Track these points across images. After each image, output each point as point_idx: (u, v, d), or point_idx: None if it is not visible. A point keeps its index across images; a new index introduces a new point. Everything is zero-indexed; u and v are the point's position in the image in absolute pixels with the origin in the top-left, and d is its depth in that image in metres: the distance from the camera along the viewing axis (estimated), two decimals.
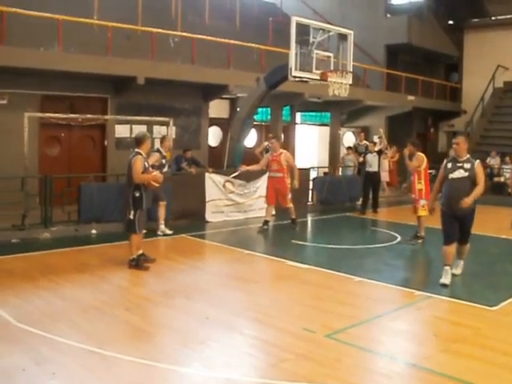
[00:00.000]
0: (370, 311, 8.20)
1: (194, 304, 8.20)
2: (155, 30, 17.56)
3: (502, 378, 5.96)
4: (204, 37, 18.60)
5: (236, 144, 18.15)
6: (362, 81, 25.29)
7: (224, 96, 21.27)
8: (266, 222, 14.31)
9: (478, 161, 9.57)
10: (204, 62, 18.59)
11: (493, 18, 30.74)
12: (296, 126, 25.48)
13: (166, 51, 18.53)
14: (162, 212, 13.42)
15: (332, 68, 15.53)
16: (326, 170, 23.27)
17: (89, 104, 17.19)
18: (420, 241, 13.12)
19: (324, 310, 8.10)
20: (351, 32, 15.93)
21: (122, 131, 18.03)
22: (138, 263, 10.16)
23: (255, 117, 20.58)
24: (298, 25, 14.87)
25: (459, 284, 9.61)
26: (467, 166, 9.32)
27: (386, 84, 27.11)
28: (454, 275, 9.62)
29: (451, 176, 9.39)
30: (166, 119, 15.99)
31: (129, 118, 16.91)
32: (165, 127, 17.70)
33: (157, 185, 10.22)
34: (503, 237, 13.43)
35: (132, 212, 9.94)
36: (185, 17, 21.29)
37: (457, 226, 9.44)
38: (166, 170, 13.42)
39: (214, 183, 15.45)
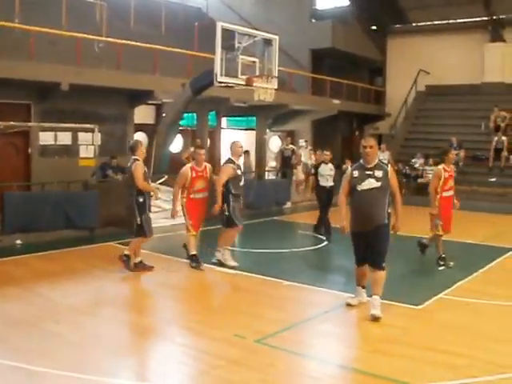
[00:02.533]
0: (300, 315, 8.28)
1: (125, 314, 8.12)
2: (80, 35, 17.27)
3: (428, 373, 6.13)
4: (129, 42, 18.41)
5: (162, 150, 18.02)
6: (288, 85, 25.46)
7: (150, 102, 21.11)
8: (193, 257, 11.06)
9: (389, 166, 8.45)
10: (129, 68, 18.40)
11: (414, 25, 31.45)
12: (222, 130, 25.47)
13: (90, 57, 18.24)
14: None
15: (257, 73, 15.56)
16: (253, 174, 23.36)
17: (11, 111, 16.72)
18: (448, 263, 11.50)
19: (254, 315, 8.13)
20: (276, 37, 16.02)
21: (46, 138, 17.62)
22: (128, 261, 10.50)
23: (181, 122, 20.49)
24: (224, 30, 14.87)
25: (385, 285, 9.78)
26: (378, 173, 7.93)
27: (312, 88, 27.37)
28: (373, 317, 7.87)
29: (360, 188, 7.95)
30: (91, 126, 15.76)
31: (53, 125, 16.59)
32: (90, 134, 17.43)
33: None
34: (427, 237, 13.66)
35: (138, 217, 10.47)
36: (110, 22, 21.05)
37: (366, 246, 8.08)
38: None
39: None
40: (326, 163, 14.12)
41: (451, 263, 11.35)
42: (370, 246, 8.04)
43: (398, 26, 32.05)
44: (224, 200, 10.91)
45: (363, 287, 8.52)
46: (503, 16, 29.22)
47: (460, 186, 23.62)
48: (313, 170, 14.91)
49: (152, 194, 10.89)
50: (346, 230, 8.20)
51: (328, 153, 14.34)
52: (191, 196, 10.92)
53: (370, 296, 8.13)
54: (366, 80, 32.55)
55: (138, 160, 10.38)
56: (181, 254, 11.66)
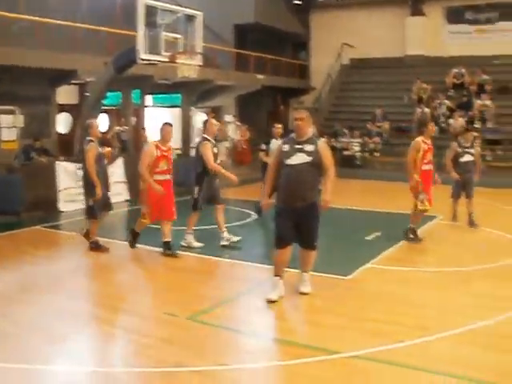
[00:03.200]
0: (233, 290, 8.35)
1: (53, 297, 7.98)
2: None
3: (357, 341, 6.29)
4: (49, 20, 17.93)
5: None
6: (212, 61, 25.31)
7: (73, 81, 20.68)
8: (167, 246, 10.21)
9: (322, 140, 8.33)
10: (50, 47, 17.94)
11: None
12: (147, 108, 25.17)
13: (9, 35, 17.73)
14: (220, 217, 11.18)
15: (181, 50, 15.44)
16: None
17: None
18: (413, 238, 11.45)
19: (185, 293, 8.15)
20: (200, 13, 15.89)
21: None
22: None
23: (105, 101, 20.18)
24: (146, 6, 14.66)
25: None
26: (309, 148, 7.45)
27: (236, 64, 27.30)
28: (302, 294, 7.83)
29: (289, 162, 7.46)
30: (12, 108, 15.37)
31: None
32: (11, 116, 17.00)
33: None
34: (354, 208, 13.94)
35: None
36: None
37: (293, 225, 7.59)
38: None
39: (65, 171, 15.02)
40: (277, 138, 13.05)
41: (417, 238, 11.34)
42: (299, 225, 7.58)
43: (321, 0, 32.15)
44: (197, 182, 10.59)
45: (281, 277, 7.78)
46: None
47: (387, 157, 24.39)
48: (263, 146, 13.58)
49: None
50: (266, 207, 7.93)
51: (279, 125, 13.56)
52: (154, 177, 9.88)
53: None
54: (290, 54, 32.63)
55: (92, 141, 10.18)
56: (113, 235, 11.57)
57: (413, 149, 11.29)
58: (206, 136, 10.70)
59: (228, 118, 24.92)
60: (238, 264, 9.72)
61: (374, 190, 19.26)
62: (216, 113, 24.20)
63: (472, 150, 13.19)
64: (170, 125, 10.42)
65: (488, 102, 24.54)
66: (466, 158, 13.03)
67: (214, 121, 11.14)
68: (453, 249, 10.99)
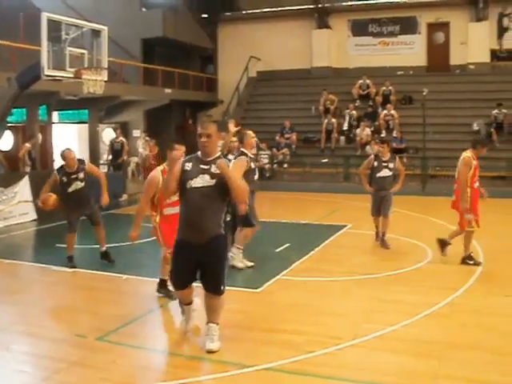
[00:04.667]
0: (141, 308, 8.22)
1: None
2: None
3: (269, 354, 6.29)
4: None
5: None
6: (119, 76, 25.07)
7: None
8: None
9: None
10: None
11: (244, 12, 31.87)
12: (53, 125, 24.68)
13: None
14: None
15: (86, 65, 15.20)
16: None
17: None
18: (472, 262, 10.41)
19: (95, 312, 7.97)
20: (105, 28, 15.67)
21: None
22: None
23: (9, 118, 19.67)
24: (50, 21, 14.36)
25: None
26: (215, 169, 6.16)
27: (143, 78, 27.11)
28: (209, 352, 6.37)
29: (190, 185, 6.19)
30: None
31: None
32: None
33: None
34: (263, 220, 13.90)
35: None
36: None
37: (194, 266, 6.36)
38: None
39: None
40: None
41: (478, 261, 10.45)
42: (201, 265, 6.36)
43: (228, 13, 32.34)
44: None
45: (190, 303, 6.92)
46: (328, 4, 30.42)
47: (295, 168, 24.72)
48: None
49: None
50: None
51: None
52: (164, 212, 8.14)
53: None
54: (199, 68, 32.66)
55: None
56: (20, 257, 11.26)
57: (466, 166, 10.19)
58: (243, 150, 10.01)
59: (136, 133, 24.70)
60: (145, 281, 9.54)
61: (283, 201, 19.43)
62: (124, 128, 23.96)
63: (391, 165, 11.94)
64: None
65: (393, 112, 25.24)
66: (383, 173, 11.85)
67: (252, 133, 10.29)
68: (361, 257, 11.21)
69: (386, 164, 11.83)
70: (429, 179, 22.35)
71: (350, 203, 12.55)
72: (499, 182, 21.83)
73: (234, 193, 6.14)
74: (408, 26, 29.94)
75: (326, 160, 24.16)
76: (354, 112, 26.13)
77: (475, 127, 24.61)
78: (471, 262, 10.29)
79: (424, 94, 23.20)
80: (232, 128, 10.67)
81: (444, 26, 29.71)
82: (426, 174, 22.38)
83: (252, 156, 10.12)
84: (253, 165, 9.96)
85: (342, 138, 25.60)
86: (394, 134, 24.23)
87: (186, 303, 6.85)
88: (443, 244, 10.75)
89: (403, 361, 6.18)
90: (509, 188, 20.73)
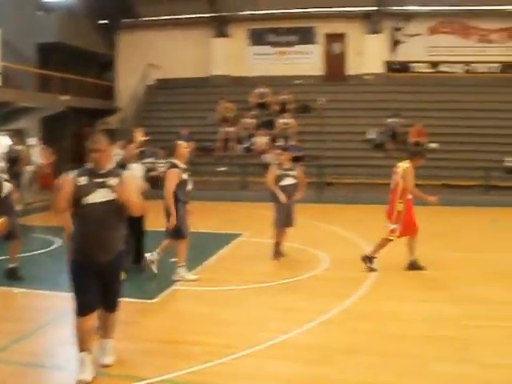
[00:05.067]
0: (35, 322, 7.93)
1: None
2: None
3: (165, 364, 6.27)
4: None
5: None
6: (13, 81, 24.38)
7: None
8: None
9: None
10: None
11: (143, 19, 31.59)
12: None
13: None
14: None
15: None
16: None
17: None
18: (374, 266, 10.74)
19: None
20: None
21: None
22: None
23: None
24: None
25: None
26: (113, 181, 5.88)
27: (39, 84, 26.47)
28: (104, 366, 6.22)
29: (88, 200, 5.77)
30: None
31: None
32: None
33: None
34: (158, 230, 13.73)
35: None
36: None
37: (98, 285, 5.96)
38: None
39: None
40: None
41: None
42: (105, 284, 6.04)
43: (127, 20, 31.99)
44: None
45: (90, 351, 6.05)
46: (226, 13, 30.56)
47: (194, 176, 24.55)
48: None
49: None
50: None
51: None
52: None
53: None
54: (97, 75, 32.18)
55: None
56: None
57: (410, 175, 10.38)
58: (174, 161, 10.06)
59: (31, 140, 24.04)
60: (38, 294, 9.23)
61: None
62: (19, 136, 23.27)
63: (293, 172, 11.85)
64: None
65: (290, 121, 25.58)
66: (287, 181, 11.67)
67: (184, 143, 10.39)
68: (258, 265, 11.26)
69: (287, 172, 11.72)
70: (325, 187, 22.75)
71: (246, 212, 12.62)
72: None
73: (130, 210, 5.99)
74: (306, 36, 30.58)
75: (223, 168, 24.22)
76: (251, 120, 26.31)
77: (370, 136, 25.29)
78: (369, 265, 10.62)
79: (320, 102, 23.65)
80: (139, 137, 10.59)
81: (341, 37, 30.45)
82: (322, 181, 22.76)
83: (184, 167, 10.00)
84: (185, 176, 9.90)
85: (240, 146, 25.73)
86: (292, 142, 24.53)
87: (85, 348, 5.95)
88: (413, 266, 10.77)
89: (297, 368, 6.28)
90: None
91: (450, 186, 22.37)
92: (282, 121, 25.74)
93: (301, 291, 9.42)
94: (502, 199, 21.15)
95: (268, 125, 26.11)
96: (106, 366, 6.20)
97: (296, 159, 22.74)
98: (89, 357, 5.96)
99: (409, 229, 10.59)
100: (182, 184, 9.82)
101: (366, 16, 29.85)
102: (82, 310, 5.84)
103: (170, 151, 10.26)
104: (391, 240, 10.61)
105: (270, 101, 27.66)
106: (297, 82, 29.29)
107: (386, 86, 28.90)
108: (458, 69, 30.10)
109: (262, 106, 27.62)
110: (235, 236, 13.48)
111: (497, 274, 10.46)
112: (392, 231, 10.51)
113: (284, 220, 11.66)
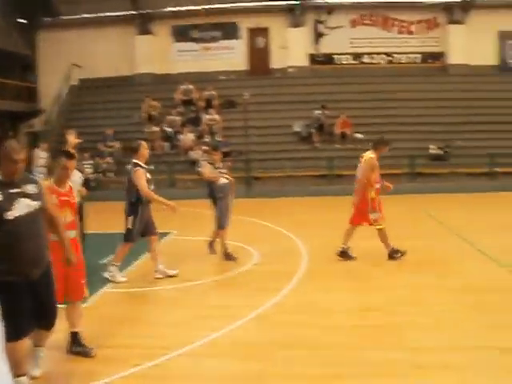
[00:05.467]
0: None
1: None
2: None
3: (92, 370, 6.15)
4: None
5: None
6: None
7: None
8: None
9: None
10: None
11: (65, 18, 30.99)
12: None
13: None
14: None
15: None
16: None
17: None
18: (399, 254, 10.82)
19: None
20: None
21: None
22: None
23: None
24: None
25: None
26: (31, 188, 5.43)
27: None
28: (32, 378, 5.79)
29: (12, 215, 5.21)
30: None
31: None
32: None
33: None
34: (87, 232, 13.55)
35: None
36: None
37: (30, 304, 5.44)
38: None
39: None
40: None
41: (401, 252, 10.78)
42: (40, 300, 5.59)
43: (47, 19, 31.32)
44: (131, 212, 9.83)
45: (27, 375, 5.62)
46: (150, 11, 30.40)
47: (120, 177, 24.24)
48: None
49: None
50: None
51: None
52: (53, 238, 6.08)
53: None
54: (18, 76, 31.39)
55: None
56: None
57: (370, 167, 10.60)
58: (137, 161, 9.84)
59: None
60: None
61: (108, 211, 19.02)
62: None
63: (225, 171, 11.62)
64: None
65: (215, 117, 25.55)
66: (223, 180, 11.35)
67: (145, 144, 10.17)
68: (188, 263, 11.12)
69: (221, 171, 11.41)
70: (253, 181, 22.82)
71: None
72: (321, 180, 22.76)
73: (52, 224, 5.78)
74: (229, 32, 30.68)
75: (150, 167, 23.95)
76: (176, 118, 26.16)
77: (296, 128, 25.48)
78: (398, 255, 10.70)
79: (245, 97, 23.70)
80: (72, 140, 10.43)
81: (264, 32, 30.57)
82: (250, 176, 22.81)
83: (146, 167, 9.90)
84: (148, 175, 9.85)
85: (167, 144, 25.54)
86: (218, 138, 24.52)
87: (22, 372, 5.44)
88: (345, 255, 10.95)
89: (230, 365, 6.25)
90: (329, 187, 21.64)
91: None
92: (208, 117, 25.72)
93: (232, 287, 9.43)
94: (428, 186, 21.67)
95: (194, 121, 26.03)
96: (33, 378, 5.86)
97: (224, 155, 22.83)
98: (27, 380, 5.58)
99: (363, 217, 10.81)
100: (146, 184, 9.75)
101: (289, 10, 30.03)
102: (17, 335, 5.24)
103: (132, 151, 10.14)
104: (382, 228, 10.75)
105: (195, 97, 27.55)
106: (221, 77, 29.30)
107: (311, 79, 29.22)
108: (380, 60, 30.65)
109: (188, 102, 27.52)
110: (164, 235, 13.35)
111: (420, 260, 10.67)
112: (375, 220, 10.70)
113: (227, 219, 11.43)
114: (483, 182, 22.70)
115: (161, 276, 9.94)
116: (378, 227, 10.78)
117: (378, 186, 10.76)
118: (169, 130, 25.83)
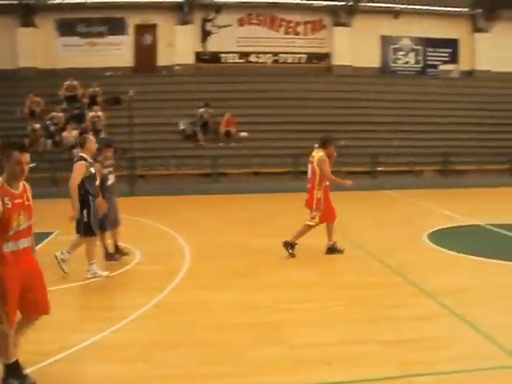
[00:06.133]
0: None
1: None
2: None
3: None
4: None
5: None
6: None
7: None
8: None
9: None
10: None
11: None
12: None
13: None
14: None
15: None
16: None
17: None
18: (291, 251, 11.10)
19: None
20: None
21: None
22: None
23: None
24: None
25: None
26: None
27: None
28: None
29: None
30: None
31: None
32: None
33: None
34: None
35: None
36: None
37: None
38: None
39: None
40: None
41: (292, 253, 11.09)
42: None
43: None
44: (83, 204, 9.54)
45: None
46: (32, 1, 29.45)
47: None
48: None
49: None
50: None
51: None
52: (6, 249, 5.47)
53: None
54: None
55: None
56: None
57: (326, 164, 10.81)
58: (83, 155, 9.67)
59: None
60: None
61: None
62: None
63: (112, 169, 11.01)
64: None
65: (100, 113, 25.17)
66: (112, 179, 10.93)
67: (92, 137, 10.08)
68: (71, 264, 10.61)
69: (110, 169, 10.89)
70: (137, 179, 22.66)
71: (57, 209, 12.17)
72: (205, 179, 22.90)
73: None
74: (116, 27, 30.27)
75: (32, 164, 23.27)
76: (60, 114, 25.60)
77: (181, 126, 25.50)
78: (291, 252, 11.00)
79: (130, 94, 23.52)
80: None
81: (152, 28, 30.41)
82: (134, 174, 22.63)
83: (91, 161, 9.76)
84: (93, 170, 9.68)
85: (49, 141, 24.93)
86: (102, 135, 24.13)
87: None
88: (331, 250, 11.26)
89: (112, 368, 6.17)
90: (213, 185, 21.86)
91: (261, 173, 23.21)
92: (92, 114, 25.25)
93: (114, 288, 9.37)
94: None
95: (78, 118, 25.52)
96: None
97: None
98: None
99: (328, 215, 11.11)
100: (90, 178, 9.63)
101: (177, 7, 29.96)
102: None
103: (80, 145, 10.07)
104: (312, 226, 11.03)
105: (79, 94, 27.05)
106: (107, 73, 28.89)
107: (197, 77, 29.35)
108: (267, 59, 31.09)
109: (72, 99, 26.94)
110: (47, 235, 13.08)
111: (304, 257, 10.95)
112: (312, 218, 10.97)
113: (113, 221, 11.00)
114: (365, 180, 23.33)
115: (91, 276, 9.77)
116: (309, 223, 11.07)
117: (327, 183, 11.06)
118: (52, 126, 25.19)
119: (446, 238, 13.11)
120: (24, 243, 5.66)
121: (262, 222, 15.14)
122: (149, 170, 23.56)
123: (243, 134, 25.53)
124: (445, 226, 14.25)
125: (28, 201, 5.73)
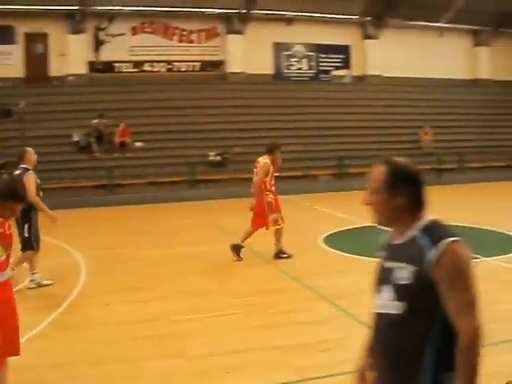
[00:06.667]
0: None
1: None
2: None
3: None
4: None
5: None
6: None
7: None
8: None
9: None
10: None
11: None
12: None
13: None
14: None
15: None
16: None
17: None
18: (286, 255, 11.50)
19: None
20: None
21: None
22: None
23: None
24: None
25: None
26: None
27: None
28: None
29: None
30: None
31: None
32: None
33: None
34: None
35: None
36: None
37: None
38: None
39: None
40: None
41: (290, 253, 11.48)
42: None
43: None
44: (25, 219, 9.43)
45: None
46: None
47: None
48: None
49: None
50: None
51: None
52: None
53: None
54: None
55: None
56: None
57: (264, 171, 11.31)
58: (26, 166, 9.71)
59: None
60: None
61: None
62: None
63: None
64: None
65: None
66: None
67: (31, 149, 10.13)
68: None
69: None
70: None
71: None
72: (100, 190, 22.69)
73: None
74: (5, 36, 29.23)
75: None
76: None
77: (75, 138, 25.18)
78: (285, 256, 11.38)
79: (21, 106, 23.06)
80: None
81: (43, 37, 29.75)
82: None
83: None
84: (38, 181, 9.80)
85: None
86: None
87: None
88: (237, 248, 11.44)
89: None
90: (109, 196, 21.68)
91: (157, 183, 23.20)
92: None
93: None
94: (208, 192, 22.33)
95: None
96: None
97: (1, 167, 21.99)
98: None
99: (262, 220, 11.42)
100: (36, 189, 9.67)
101: (69, 15, 29.47)
102: None
103: (19, 158, 10.01)
104: (281, 227, 11.43)
105: None
106: None
107: (90, 87, 28.94)
108: (161, 68, 31.08)
109: None
110: None
111: (204, 267, 11.10)
112: (275, 221, 11.32)
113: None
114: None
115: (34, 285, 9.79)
116: (277, 227, 11.40)
117: (273, 187, 11.52)
118: None
119: (341, 240, 13.60)
120: (4, 277, 5.19)
121: (159, 233, 15.16)
122: (43, 183, 23.06)
123: (138, 143, 25.44)
124: (340, 229, 14.73)
125: (10, 229, 5.26)
